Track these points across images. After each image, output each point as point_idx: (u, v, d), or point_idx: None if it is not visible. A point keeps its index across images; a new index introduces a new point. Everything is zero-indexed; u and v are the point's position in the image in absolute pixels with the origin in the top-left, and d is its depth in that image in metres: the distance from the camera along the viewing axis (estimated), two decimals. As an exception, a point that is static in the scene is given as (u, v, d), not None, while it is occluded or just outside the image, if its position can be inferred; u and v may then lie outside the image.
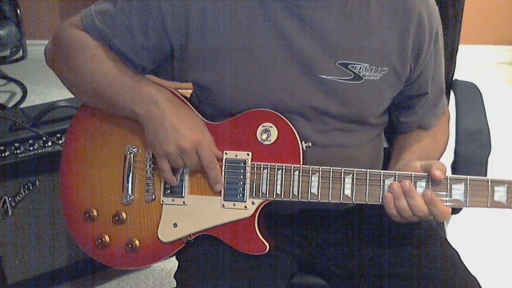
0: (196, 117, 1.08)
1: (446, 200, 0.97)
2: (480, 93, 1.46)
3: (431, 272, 1.06)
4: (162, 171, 1.06)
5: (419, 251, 1.10)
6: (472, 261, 1.18)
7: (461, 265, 1.09)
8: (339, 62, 1.04)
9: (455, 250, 1.13)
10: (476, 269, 1.11)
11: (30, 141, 1.61)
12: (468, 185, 0.96)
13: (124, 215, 1.12)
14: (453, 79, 1.50)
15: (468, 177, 0.97)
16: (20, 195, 1.63)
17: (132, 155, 1.11)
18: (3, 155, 1.58)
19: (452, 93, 1.48)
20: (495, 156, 1.24)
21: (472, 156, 1.22)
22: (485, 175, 1.19)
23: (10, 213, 1.63)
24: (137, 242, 1.11)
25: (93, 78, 1.09)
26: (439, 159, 1.18)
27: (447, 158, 1.20)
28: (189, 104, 1.10)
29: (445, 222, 1.41)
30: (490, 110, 1.39)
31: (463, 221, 2.13)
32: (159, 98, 1.05)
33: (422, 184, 0.98)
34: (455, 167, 1.21)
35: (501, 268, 2.05)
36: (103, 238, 1.13)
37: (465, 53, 2.06)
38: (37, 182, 1.64)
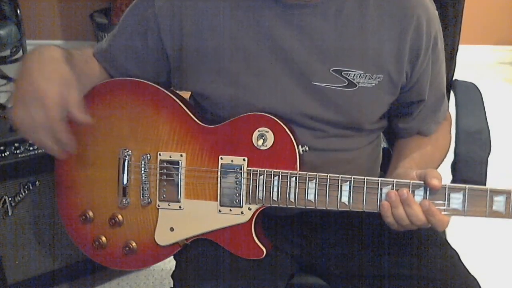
0: (65, 73, 0.98)
1: (444, 209, 0.95)
2: (480, 93, 1.45)
3: (431, 272, 1.06)
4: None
5: (419, 251, 1.10)
6: (472, 261, 1.18)
7: (461, 266, 1.09)
8: (333, 69, 1.03)
9: (455, 251, 1.13)
10: (476, 269, 1.11)
11: (30, 141, 1.61)
12: (466, 194, 0.94)
13: (120, 217, 1.11)
14: (453, 79, 1.49)
15: (467, 186, 0.94)
16: (20, 195, 1.63)
17: (126, 158, 1.10)
18: (3, 155, 1.58)
19: (452, 93, 1.48)
20: (495, 156, 1.24)
21: (472, 156, 1.22)
22: (485, 176, 1.19)
23: (10, 213, 1.62)
24: (134, 244, 1.11)
25: None
26: (439, 165, 1.16)
27: (447, 158, 1.20)
28: (173, 98, 1.08)
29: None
30: (490, 110, 1.39)
31: (463, 222, 2.11)
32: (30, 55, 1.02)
33: (420, 192, 0.96)
34: (455, 167, 1.20)
35: (501, 268, 2.05)
36: (100, 240, 1.12)
37: (465, 53, 2.06)
38: (37, 182, 1.64)
